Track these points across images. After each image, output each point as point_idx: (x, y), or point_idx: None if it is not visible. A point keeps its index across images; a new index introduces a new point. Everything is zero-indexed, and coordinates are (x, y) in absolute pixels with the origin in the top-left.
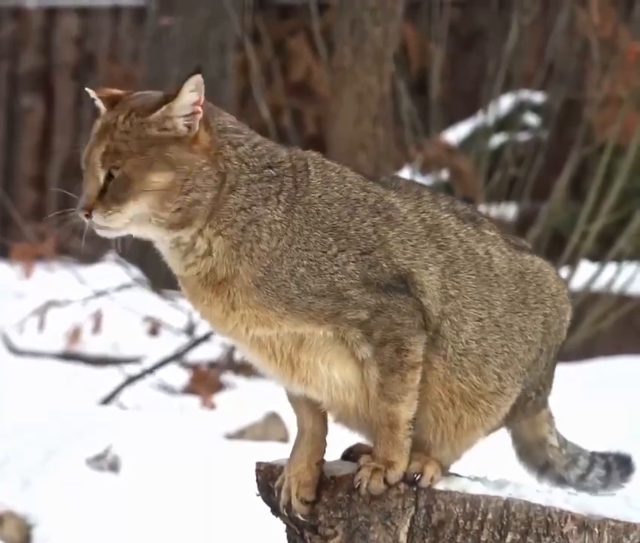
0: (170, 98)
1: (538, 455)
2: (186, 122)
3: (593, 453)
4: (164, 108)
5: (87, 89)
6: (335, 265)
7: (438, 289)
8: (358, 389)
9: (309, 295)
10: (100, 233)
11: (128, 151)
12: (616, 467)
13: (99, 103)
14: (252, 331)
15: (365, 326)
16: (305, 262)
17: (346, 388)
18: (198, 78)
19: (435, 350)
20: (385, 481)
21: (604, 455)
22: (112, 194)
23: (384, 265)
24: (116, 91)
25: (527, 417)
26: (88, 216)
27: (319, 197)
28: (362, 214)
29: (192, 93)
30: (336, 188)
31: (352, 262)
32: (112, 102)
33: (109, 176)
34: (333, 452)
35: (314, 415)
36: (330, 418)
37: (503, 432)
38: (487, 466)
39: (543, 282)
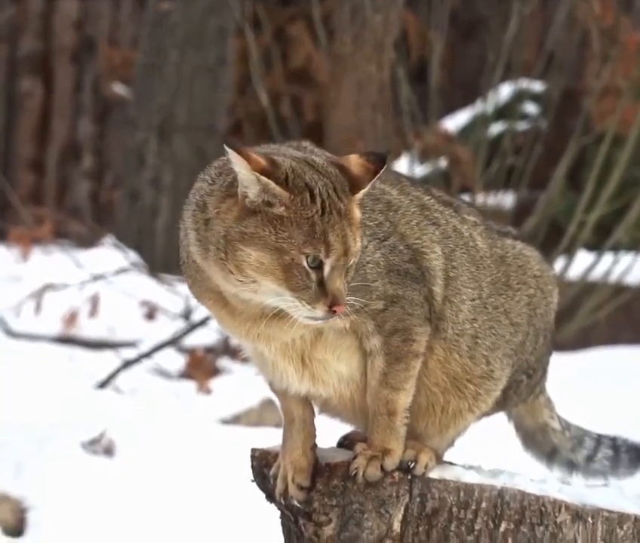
0: (361, 182)
1: (543, 441)
2: None
3: (599, 435)
4: (363, 190)
5: (236, 157)
6: (367, 255)
7: (442, 271)
8: (358, 381)
9: (348, 294)
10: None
11: (359, 236)
12: (625, 450)
13: (251, 176)
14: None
15: (380, 317)
16: None
17: (349, 380)
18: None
19: (437, 334)
20: (382, 468)
21: (611, 438)
22: (348, 282)
23: (401, 247)
24: (262, 160)
25: (523, 401)
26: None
27: None
28: (369, 204)
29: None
30: None
31: (378, 250)
32: (268, 176)
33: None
34: (324, 440)
35: (302, 404)
36: (315, 407)
37: (498, 421)
38: (482, 455)
39: (524, 263)
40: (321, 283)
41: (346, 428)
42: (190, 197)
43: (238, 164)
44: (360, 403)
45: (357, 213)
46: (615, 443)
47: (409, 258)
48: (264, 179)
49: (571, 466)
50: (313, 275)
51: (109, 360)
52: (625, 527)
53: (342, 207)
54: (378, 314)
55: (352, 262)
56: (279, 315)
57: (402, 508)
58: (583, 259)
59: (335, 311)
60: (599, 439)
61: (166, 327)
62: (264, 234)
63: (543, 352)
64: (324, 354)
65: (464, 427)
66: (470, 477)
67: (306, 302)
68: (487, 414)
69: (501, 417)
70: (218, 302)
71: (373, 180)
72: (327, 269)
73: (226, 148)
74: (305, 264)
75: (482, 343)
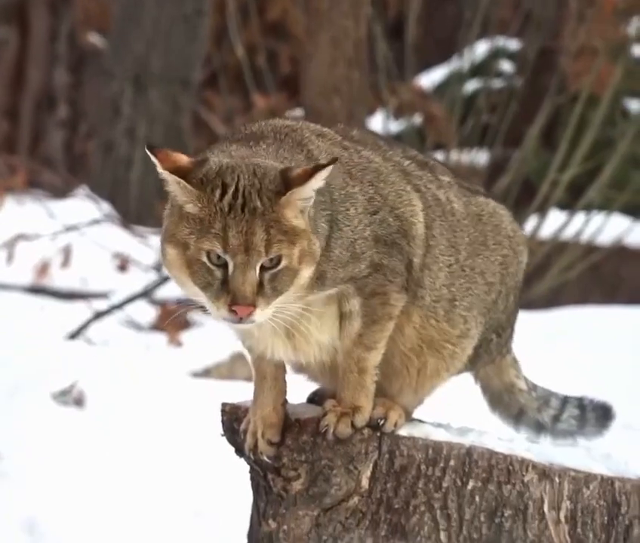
0: (293, 182)
1: (509, 402)
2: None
3: (566, 395)
4: (292, 191)
5: (151, 157)
6: (356, 234)
7: (422, 240)
8: (336, 345)
9: (338, 268)
10: (245, 326)
11: (285, 240)
12: (591, 409)
13: (168, 176)
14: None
15: (362, 281)
16: (339, 242)
17: (329, 348)
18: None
19: (415, 301)
20: (352, 425)
21: (577, 398)
22: (272, 287)
23: (390, 219)
24: (182, 160)
25: (492, 361)
26: (252, 313)
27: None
28: (358, 175)
29: (320, 183)
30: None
31: (368, 226)
32: (183, 176)
33: (263, 268)
34: (294, 396)
35: (275, 362)
36: (289, 368)
37: (467, 381)
38: (451, 413)
39: (499, 223)
40: (225, 281)
41: (316, 385)
42: None
43: (155, 163)
44: (332, 364)
45: (287, 214)
46: (581, 403)
47: (397, 229)
48: (174, 177)
49: (539, 427)
50: (217, 272)
51: (81, 311)
52: (591, 487)
53: (258, 206)
54: (361, 279)
55: (261, 261)
56: None
57: (371, 465)
58: (555, 218)
59: (236, 312)
60: (565, 399)
61: (138, 279)
62: (176, 231)
63: (512, 311)
64: (309, 325)
65: (439, 386)
66: (439, 435)
67: (210, 298)
68: (459, 372)
69: (469, 376)
70: None
71: (306, 182)
72: (230, 267)
73: (146, 149)
74: (205, 259)
75: (460, 304)
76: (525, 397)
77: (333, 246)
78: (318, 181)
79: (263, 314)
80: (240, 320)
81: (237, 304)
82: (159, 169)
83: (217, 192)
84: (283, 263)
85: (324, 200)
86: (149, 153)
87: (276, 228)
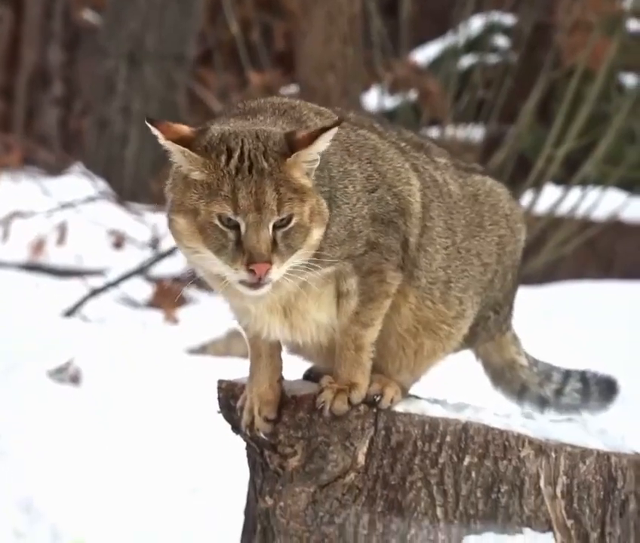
0: (299, 143)
1: (511, 378)
2: (308, 168)
3: (568, 369)
4: (297, 153)
5: (152, 129)
6: (355, 212)
7: (419, 219)
8: (334, 324)
9: (335, 246)
10: (260, 293)
11: (296, 198)
12: (595, 382)
13: (171, 146)
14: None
15: (359, 259)
16: (337, 220)
17: (327, 328)
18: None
19: (411, 282)
20: (348, 401)
21: (580, 372)
22: (286, 244)
23: (388, 198)
24: (185, 130)
25: (491, 338)
26: (269, 271)
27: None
28: (356, 152)
29: (325, 144)
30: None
31: (366, 204)
32: (187, 145)
33: (275, 227)
34: (290, 373)
35: (271, 340)
36: (284, 348)
37: (464, 358)
38: (448, 390)
39: (496, 202)
40: (239, 242)
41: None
42: None
43: (157, 135)
44: (328, 343)
45: (294, 174)
46: (584, 376)
47: (394, 208)
48: (178, 146)
49: (542, 402)
50: (231, 234)
51: (77, 289)
52: (587, 462)
53: (266, 166)
54: (358, 257)
55: (273, 219)
56: None
57: (367, 441)
58: (550, 194)
59: (254, 272)
60: (568, 373)
61: (134, 256)
62: (184, 199)
63: (510, 288)
64: (306, 304)
65: (435, 365)
66: (435, 411)
67: (226, 262)
68: (455, 350)
69: (467, 353)
70: None
71: (311, 144)
72: (242, 227)
73: (146, 122)
74: (217, 222)
75: (455, 286)
76: (526, 373)
77: (330, 224)
78: (323, 143)
79: (278, 271)
80: (258, 281)
81: (254, 262)
82: (162, 141)
83: (223, 157)
84: (294, 220)
85: (323, 177)
86: (149, 126)
87: (286, 187)
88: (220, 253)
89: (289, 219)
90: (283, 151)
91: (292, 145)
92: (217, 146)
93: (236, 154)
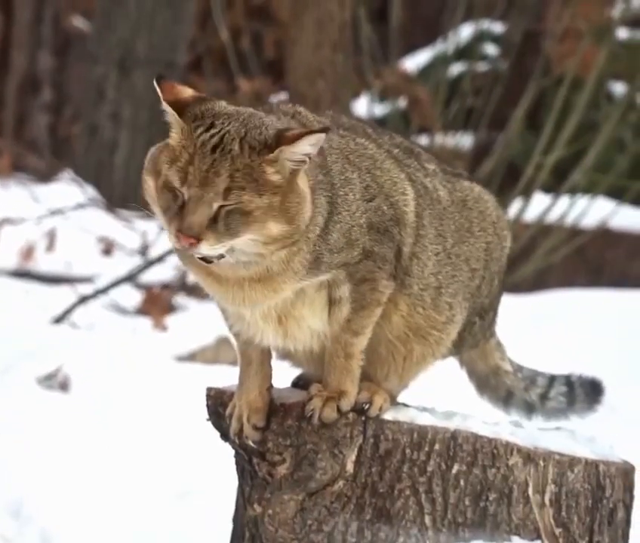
0: (285, 139)
1: (496, 385)
2: (294, 167)
3: (553, 374)
4: (281, 149)
5: (157, 88)
6: (353, 221)
7: (413, 229)
8: (325, 330)
9: (334, 254)
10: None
11: (252, 189)
12: (580, 384)
13: (165, 107)
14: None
15: (353, 267)
16: (337, 227)
17: (320, 335)
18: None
19: (403, 290)
20: (337, 409)
21: (565, 375)
22: (227, 226)
23: (385, 207)
24: (185, 94)
25: (476, 345)
26: (194, 244)
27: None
28: (356, 161)
29: (311, 147)
30: (334, 146)
31: (364, 214)
32: (180, 108)
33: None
34: (278, 380)
35: (261, 348)
36: (274, 355)
37: (451, 365)
38: (436, 397)
39: (484, 209)
40: (182, 209)
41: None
42: None
43: (159, 94)
44: (319, 350)
45: (268, 168)
46: (569, 380)
47: (390, 217)
48: (168, 107)
49: (528, 407)
50: (178, 200)
51: (66, 295)
52: (575, 470)
53: (234, 151)
54: (353, 265)
55: (217, 200)
56: (264, 279)
57: (356, 449)
58: (539, 201)
59: (178, 239)
60: (552, 377)
61: (123, 263)
62: (157, 160)
63: (496, 295)
64: (302, 310)
65: (424, 371)
66: (424, 419)
67: (165, 221)
68: (443, 356)
69: (454, 360)
70: (202, 269)
71: (295, 143)
72: (186, 196)
73: (154, 82)
74: (167, 188)
75: (445, 291)
76: (511, 379)
77: (331, 230)
78: (307, 145)
79: (211, 248)
80: (186, 249)
81: (181, 232)
82: (162, 100)
83: (200, 130)
84: (239, 206)
85: (326, 182)
86: (155, 85)
87: (244, 175)
88: (164, 213)
89: (236, 204)
90: (268, 144)
91: (279, 140)
92: (203, 119)
93: (212, 131)
